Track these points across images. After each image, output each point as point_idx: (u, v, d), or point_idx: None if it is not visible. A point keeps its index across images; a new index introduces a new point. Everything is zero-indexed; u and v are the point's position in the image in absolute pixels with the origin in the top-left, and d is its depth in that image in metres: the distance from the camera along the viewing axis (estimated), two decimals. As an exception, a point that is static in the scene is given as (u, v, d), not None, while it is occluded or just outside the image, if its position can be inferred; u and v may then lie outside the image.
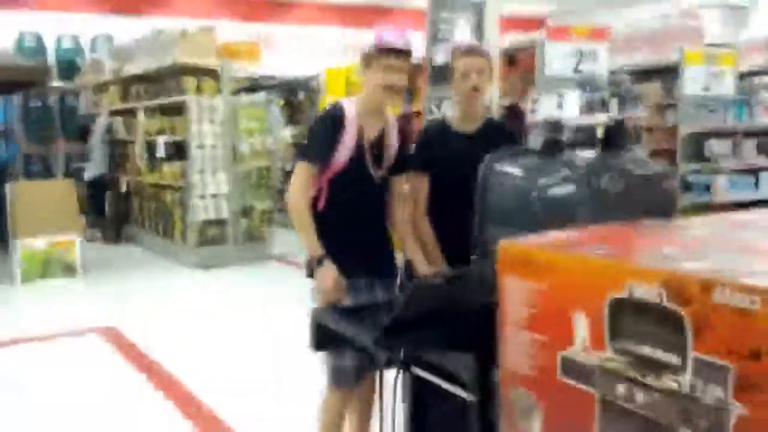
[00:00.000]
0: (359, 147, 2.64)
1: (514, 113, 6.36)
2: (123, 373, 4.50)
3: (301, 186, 2.61)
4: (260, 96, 7.65)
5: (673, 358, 1.29)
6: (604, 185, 2.01)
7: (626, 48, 7.29)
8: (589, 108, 6.13)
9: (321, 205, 2.68)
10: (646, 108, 7.13)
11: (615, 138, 2.20)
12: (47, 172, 12.16)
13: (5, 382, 4.42)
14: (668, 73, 7.47)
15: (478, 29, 5.58)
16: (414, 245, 2.79)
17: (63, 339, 5.24)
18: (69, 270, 7.19)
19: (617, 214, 1.95)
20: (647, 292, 1.33)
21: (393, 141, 2.75)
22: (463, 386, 2.03)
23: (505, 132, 2.91)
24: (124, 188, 9.21)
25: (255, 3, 13.47)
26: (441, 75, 5.57)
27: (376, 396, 2.74)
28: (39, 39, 12.35)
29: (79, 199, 10.57)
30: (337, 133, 2.59)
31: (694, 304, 1.24)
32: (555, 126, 2.07)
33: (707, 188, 7.21)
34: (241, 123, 7.38)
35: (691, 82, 7.40)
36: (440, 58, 5.47)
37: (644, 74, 7.60)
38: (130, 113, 8.88)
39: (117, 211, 9.43)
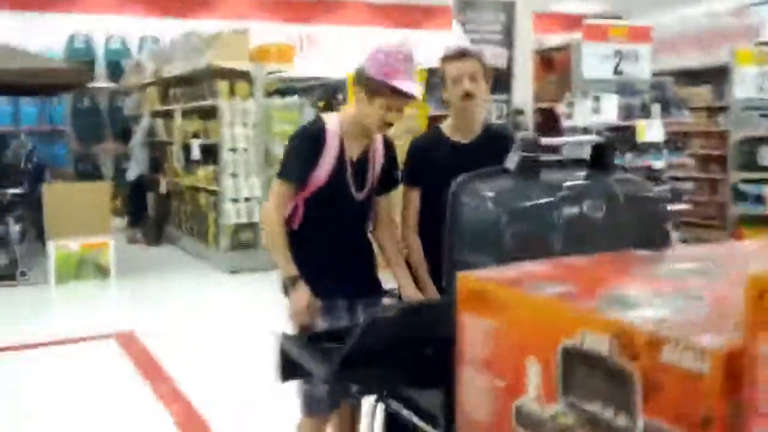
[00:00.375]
0: (340, 166, 2.47)
1: (549, 117, 6.10)
2: (127, 381, 4.44)
3: (277, 204, 2.47)
4: (293, 98, 7.56)
5: (622, 420, 1.10)
6: (585, 211, 1.80)
7: (672, 49, 6.93)
8: (627, 113, 5.83)
9: (296, 223, 2.53)
10: (693, 112, 6.76)
11: (603, 157, 1.98)
12: (96, 172, 12.43)
13: (2, 387, 4.41)
14: (718, 75, 7.09)
15: (508, 29, 5.35)
16: (401, 269, 2.62)
17: (79, 343, 5.23)
18: (102, 272, 7.23)
19: (600, 242, 1.74)
20: (598, 342, 1.14)
21: (378, 160, 2.58)
22: (434, 422, 1.86)
23: (506, 142, 2.69)
24: (164, 189, 9.26)
25: (298, 3, 13.43)
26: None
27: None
28: (88, 41, 12.56)
29: (122, 200, 10.81)
30: (317, 151, 2.44)
31: (642, 360, 1.05)
32: (532, 144, 1.86)
33: (759, 199, 6.80)
34: (274, 126, 7.30)
35: (743, 84, 6.98)
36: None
37: (692, 76, 7.24)
38: (170, 115, 8.92)
39: (158, 213, 9.49)
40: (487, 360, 1.43)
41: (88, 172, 12.20)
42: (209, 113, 7.71)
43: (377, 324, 1.77)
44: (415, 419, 1.93)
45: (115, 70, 12.33)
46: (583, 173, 1.96)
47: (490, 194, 1.82)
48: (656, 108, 5.81)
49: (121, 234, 9.70)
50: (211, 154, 7.73)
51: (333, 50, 11.34)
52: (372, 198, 2.61)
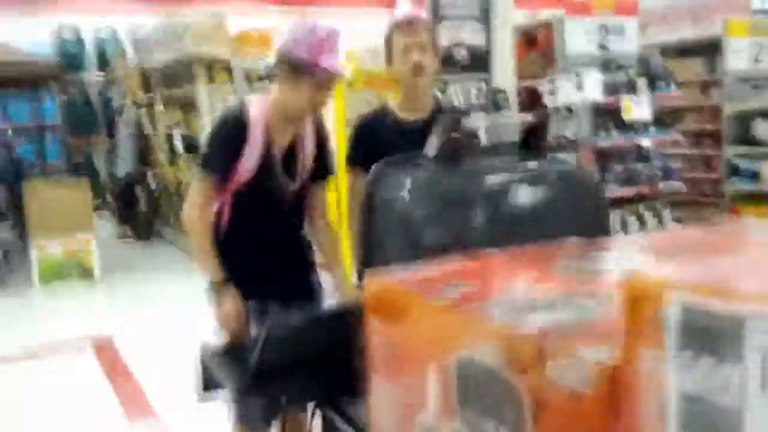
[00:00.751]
0: (268, 155, 2.27)
1: (532, 96, 5.90)
2: (97, 391, 4.25)
3: (199, 200, 2.28)
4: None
5: (514, 441, 0.94)
6: (510, 200, 1.62)
7: (662, 22, 6.70)
8: (613, 89, 5.63)
9: (224, 221, 2.34)
10: (684, 87, 6.54)
11: (534, 140, 1.80)
12: (91, 167, 12.27)
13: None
14: (711, 48, 6.86)
15: (486, 6, 5.15)
16: (337, 269, 2.46)
17: (52, 353, 5.03)
18: (86, 273, 7.08)
19: (529, 233, 1.56)
20: (488, 353, 0.98)
21: (309, 146, 2.39)
22: (365, 432, 1.71)
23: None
24: (152, 184, 9.10)
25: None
26: (444, 58, 5.17)
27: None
28: (77, 32, 12.37)
29: (112, 195, 10.66)
30: (240, 140, 2.23)
31: (530, 375, 0.88)
32: (452, 127, 1.68)
33: (755, 175, 6.59)
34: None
35: (736, 57, 6.75)
36: (444, 39, 5.06)
37: (684, 50, 7.01)
38: (152, 106, 8.76)
39: (147, 208, 9.34)
40: (392, 370, 1.28)
41: (82, 167, 12.07)
42: (191, 104, 7.54)
43: (274, 335, 1.60)
44: (350, 429, 1.77)
45: (103, 62, 12.16)
46: (510, 158, 1.78)
47: (407, 184, 1.64)
48: (642, 83, 5.60)
49: (111, 231, 9.57)
50: (192, 144, 7.56)
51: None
52: (306, 189, 2.43)
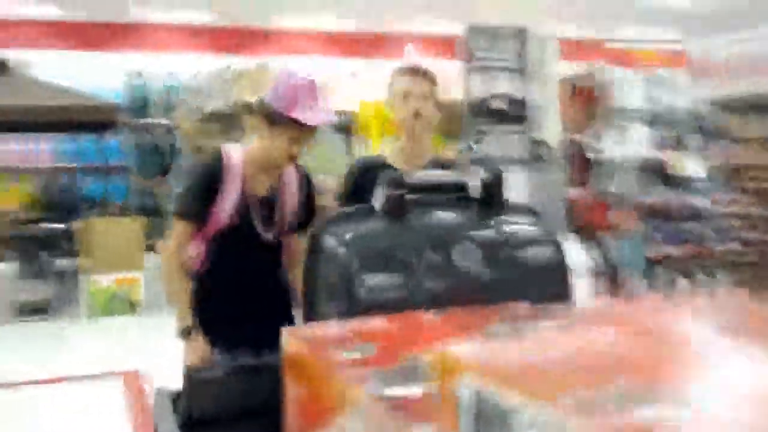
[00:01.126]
0: (243, 203, 2.26)
1: (579, 150, 5.72)
2: (113, 424, 4.27)
3: (174, 245, 2.28)
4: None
5: None
6: (454, 258, 1.51)
7: (717, 75, 6.43)
8: (662, 144, 5.40)
9: (199, 267, 2.32)
10: (743, 143, 6.23)
11: (491, 196, 1.68)
12: (157, 207, 12.66)
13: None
14: (774, 103, 6.52)
15: (522, 57, 5.04)
16: None
17: (85, 381, 5.13)
18: (132, 308, 7.22)
19: (473, 294, 1.45)
20: (359, 420, 0.96)
21: (292, 196, 2.36)
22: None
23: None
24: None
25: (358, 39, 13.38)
26: (480, 108, 5.08)
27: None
28: (145, 78, 12.85)
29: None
30: (215, 186, 2.24)
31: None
32: (398, 181, 1.59)
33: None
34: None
35: (802, 113, 6.38)
36: (478, 89, 4.98)
37: (742, 105, 6.68)
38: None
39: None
40: (302, 423, 1.25)
41: (149, 207, 12.43)
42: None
43: (197, 384, 1.52)
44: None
45: (168, 107, 12.57)
46: (462, 214, 1.66)
47: (347, 237, 1.55)
48: (694, 139, 5.36)
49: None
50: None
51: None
52: (285, 238, 2.38)
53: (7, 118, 7.90)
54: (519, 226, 1.67)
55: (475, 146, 5.03)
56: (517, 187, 5.20)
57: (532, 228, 1.69)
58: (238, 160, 2.27)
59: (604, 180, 5.31)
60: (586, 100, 5.56)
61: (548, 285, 1.57)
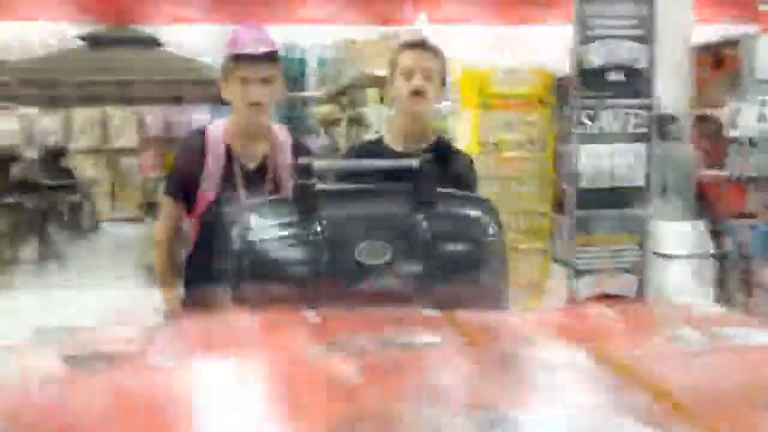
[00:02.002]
0: (229, 177, 2.17)
1: (712, 126, 5.08)
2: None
3: (162, 225, 2.29)
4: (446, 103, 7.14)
5: None
6: (360, 258, 1.27)
7: None
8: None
9: (190, 247, 2.26)
10: None
11: (422, 185, 1.40)
12: None
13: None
14: None
15: (648, 22, 4.50)
16: None
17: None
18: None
19: (374, 297, 1.23)
20: None
21: (284, 164, 2.23)
22: None
23: (456, 160, 2.18)
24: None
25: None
26: (595, 80, 4.62)
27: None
28: (302, 50, 13.06)
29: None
30: (196, 163, 2.20)
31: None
32: (307, 169, 1.38)
33: None
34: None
35: None
36: (594, 59, 4.51)
37: None
38: (336, 124, 8.97)
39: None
40: None
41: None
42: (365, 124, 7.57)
43: None
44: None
45: (324, 80, 12.75)
46: (385, 206, 1.40)
47: (242, 227, 1.36)
48: None
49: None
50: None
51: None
52: None
53: (158, 92, 8.34)
54: (448, 221, 1.38)
55: (588, 121, 4.58)
56: (637, 168, 4.70)
57: (461, 223, 1.40)
58: (219, 133, 2.23)
59: (743, 162, 4.66)
60: (729, 71, 4.89)
61: (463, 287, 1.29)
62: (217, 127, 2.25)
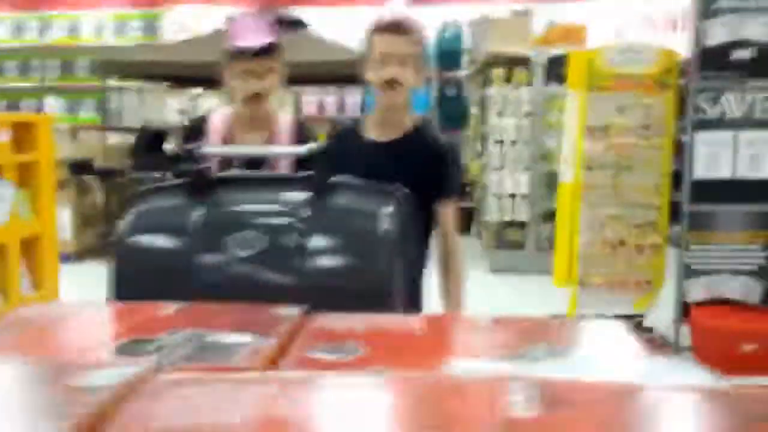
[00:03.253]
0: (227, 164, 2.08)
1: None
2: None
3: None
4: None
5: None
6: (230, 246, 1.17)
7: None
8: None
9: None
10: None
11: (314, 174, 1.26)
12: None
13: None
14: None
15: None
16: None
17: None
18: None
19: (247, 290, 1.14)
20: None
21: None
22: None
23: (428, 149, 2.01)
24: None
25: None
26: (717, 60, 4.16)
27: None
28: (458, 28, 12.85)
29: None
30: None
31: None
32: (191, 155, 1.30)
33: None
34: (552, 117, 6.60)
35: None
36: (716, 35, 4.04)
37: None
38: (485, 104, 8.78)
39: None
40: None
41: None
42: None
43: None
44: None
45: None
46: (273, 195, 1.28)
47: (136, 215, 1.30)
48: None
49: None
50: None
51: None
52: None
53: (302, 73, 8.57)
54: (331, 213, 1.24)
55: (706, 107, 4.11)
56: (763, 158, 4.20)
57: (344, 217, 1.25)
58: (219, 121, 2.17)
59: None
60: None
61: (335, 283, 1.15)
62: (220, 115, 2.23)
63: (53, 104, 12.07)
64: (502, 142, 6.84)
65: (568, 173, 4.60)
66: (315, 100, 12.76)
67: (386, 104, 2.09)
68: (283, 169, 2.12)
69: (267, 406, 0.60)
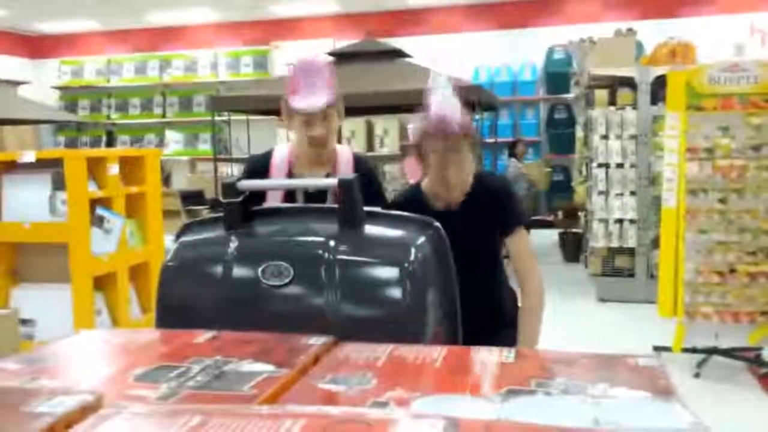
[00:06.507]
0: (290, 197, 2.16)
1: None
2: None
3: None
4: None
5: None
6: (263, 276, 1.18)
7: None
8: None
9: None
10: None
11: (345, 205, 1.25)
12: (568, 182, 12.66)
13: None
14: None
15: None
16: None
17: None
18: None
19: (276, 320, 1.16)
20: None
21: None
22: None
23: (502, 196, 2.04)
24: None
25: None
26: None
27: None
28: (567, 51, 12.65)
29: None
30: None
31: None
32: (231, 187, 1.32)
33: None
34: (659, 139, 6.33)
35: None
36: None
37: None
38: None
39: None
40: None
41: (560, 182, 12.52)
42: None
43: None
44: None
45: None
46: (309, 226, 1.27)
47: (178, 245, 1.34)
48: None
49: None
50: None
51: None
52: None
53: (397, 101, 8.68)
54: (362, 244, 1.22)
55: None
56: None
57: (374, 248, 1.22)
58: (284, 154, 2.25)
59: None
60: None
61: (364, 313, 1.13)
62: (282, 150, 2.28)
63: (173, 138, 12.79)
64: (607, 165, 6.61)
65: (671, 198, 4.39)
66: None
67: (444, 199, 2.17)
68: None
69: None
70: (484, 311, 2.07)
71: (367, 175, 2.18)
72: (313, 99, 2.09)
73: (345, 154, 2.26)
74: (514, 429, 0.64)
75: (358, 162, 2.25)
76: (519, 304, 2.28)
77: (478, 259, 2.10)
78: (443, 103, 2.08)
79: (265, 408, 0.78)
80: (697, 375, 4.43)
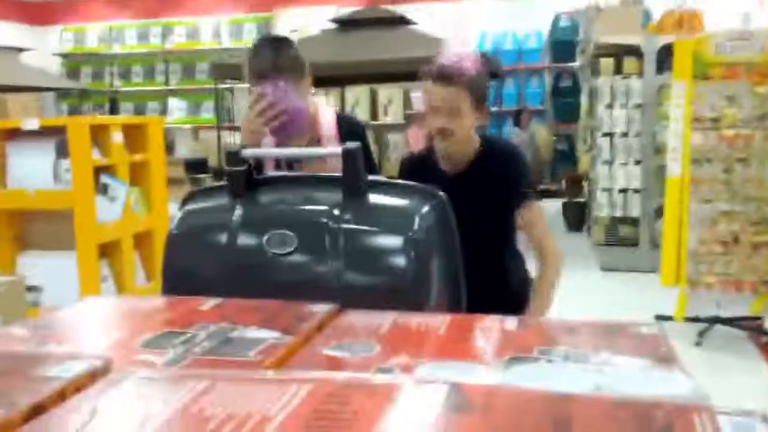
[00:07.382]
0: (277, 164, 2.16)
1: None
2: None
3: None
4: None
5: None
6: (266, 244, 1.19)
7: None
8: None
9: None
10: None
11: (348, 173, 1.24)
12: (572, 151, 12.62)
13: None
14: None
15: None
16: None
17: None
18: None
19: (279, 288, 1.18)
20: None
21: (331, 144, 2.13)
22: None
23: (511, 162, 2.01)
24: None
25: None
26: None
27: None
28: (573, 20, 12.52)
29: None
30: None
31: None
32: (234, 155, 1.32)
33: None
34: (665, 108, 6.29)
35: None
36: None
37: None
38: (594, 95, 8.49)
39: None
40: None
41: (564, 151, 12.46)
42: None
43: None
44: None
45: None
46: (312, 195, 1.28)
47: (183, 213, 1.34)
48: None
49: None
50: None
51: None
52: None
53: (402, 69, 8.61)
54: (366, 213, 1.22)
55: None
56: None
57: (378, 216, 1.22)
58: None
59: None
60: None
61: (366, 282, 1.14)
62: None
63: (176, 106, 12.74)
64: (611, 134, 6.59)
65: (675, 167, 4.38)
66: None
67: (442, 150, 2.11)
68: (333, 166, 2.13)
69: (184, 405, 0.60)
70: (494, 278, 2.08)
71: (353, 133, 2.15)
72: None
73: (326, 114, 2.21)
74: (516, 394, 0.65)
75: (341, 121, 2.22)
76: (528, 273, 2.29)
77: (490, 225, 2.08)
78: (453, 55, 2.04)
79: (271, 373, 0.79)
80: (698, 344, 4.46)
